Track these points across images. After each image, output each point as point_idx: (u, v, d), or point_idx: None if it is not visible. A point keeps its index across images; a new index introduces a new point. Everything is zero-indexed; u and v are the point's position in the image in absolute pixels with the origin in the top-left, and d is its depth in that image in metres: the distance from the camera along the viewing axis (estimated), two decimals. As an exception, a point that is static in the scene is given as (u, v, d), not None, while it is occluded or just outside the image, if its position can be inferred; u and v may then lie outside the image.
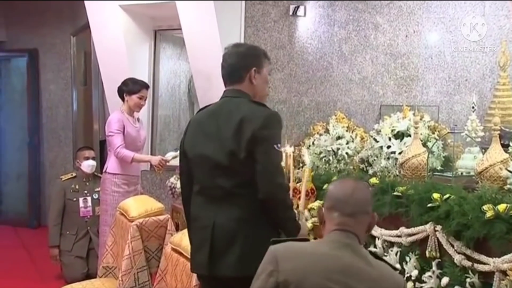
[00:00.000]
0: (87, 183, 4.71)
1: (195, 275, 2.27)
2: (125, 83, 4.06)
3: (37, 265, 5.00)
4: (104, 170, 4.02)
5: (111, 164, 3.94)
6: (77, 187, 4.67)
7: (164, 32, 5.32)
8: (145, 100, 4.10)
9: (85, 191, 4.68)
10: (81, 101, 6.30)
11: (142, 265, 3.10)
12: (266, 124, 2.02)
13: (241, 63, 2.15)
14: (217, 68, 4.30)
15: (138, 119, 4.21)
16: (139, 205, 3.29)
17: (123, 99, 4.06)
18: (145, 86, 4.10)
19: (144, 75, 5.18)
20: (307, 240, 1.81)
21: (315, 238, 2.54)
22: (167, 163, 4.04)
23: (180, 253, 2.55)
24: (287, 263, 1.54)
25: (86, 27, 5.34)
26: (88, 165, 4.65)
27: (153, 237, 3.21)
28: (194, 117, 2.27)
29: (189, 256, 2.30)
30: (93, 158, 4.75)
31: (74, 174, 4.77)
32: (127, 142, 3.95)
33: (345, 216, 1.58)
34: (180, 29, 4.58)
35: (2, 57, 7.28)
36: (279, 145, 2.07)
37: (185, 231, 2.35)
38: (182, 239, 2.54)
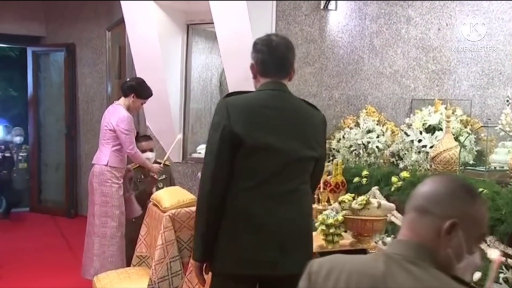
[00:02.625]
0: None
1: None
2: (140, 84, 4.06)
3: (74, 253, 5.17)
4: (104, 163, 3.94)
5: (112, 159, 3.95)
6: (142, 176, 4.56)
7: (196, 26, 5.40)
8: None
9: None
10: (115, 94, 6.44)
11: (175, 255, 3.14)
12: (325, 125, 2.12)
13: (291, 57, 2.05)
14: (248, 61, 4.38)
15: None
16: (172, 196, 3.35)
17: (126, 95, 4.02)
18: (152, 95, 4.15)
19: (176, 69, 5.30)
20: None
21: (345, 231, 2.58)
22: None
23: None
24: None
25: (121, 22, 5.47)
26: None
27: (185, 227, 3.27)
28: (237, 102, 1.97)
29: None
30: (151, 150, 4.50)
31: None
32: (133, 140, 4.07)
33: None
34: (212, 23, 4.64)
35: (41, 51, 7.52)
36: None
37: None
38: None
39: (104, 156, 3.95)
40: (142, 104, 4.11)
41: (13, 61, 10.80)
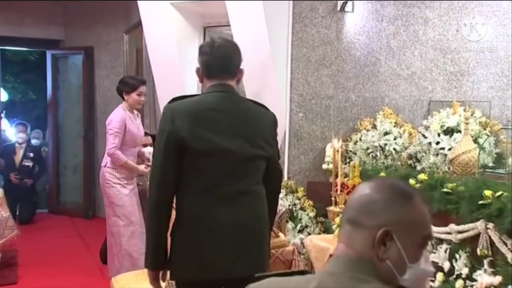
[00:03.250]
0: None
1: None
2: (123, 81, 4.11)
3: (91, 253, 5.23)
4: (104, 165, 4.04)
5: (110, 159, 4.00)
6: None
7: (213, 29, 5.42)
8: (144, 96, 4.11)
9: None
10: (133, 96, 6.51)
11: None
12: (276, 127, 2.10)
13: (236, 58, 2.04)
14: (265, 63, 4.40)
15: (138, 114, 4.26)
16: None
17: (123, 98, 4.09)
18: (142, 82, 4.12)
19: (193, 71, 5.28)
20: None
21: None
22: None
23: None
24: None
25: (138, 24, 5.52)
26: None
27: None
28: (181, 107, 1.97)
29: None
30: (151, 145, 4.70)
31: None
32: (128, 139, 4.01)
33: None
34: (229, 25, 4.66)
35: (60, 54, 7.62)
36: None
37: None
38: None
39: (105, 158, 4.04)
40: (139, 95, 4.03)
41: (32, 64, 10.99)
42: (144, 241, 3.81)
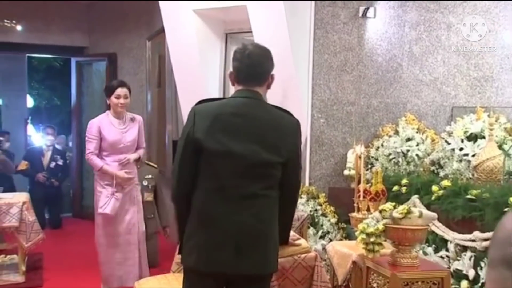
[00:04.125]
0: None
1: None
2: (105, 87, 4.07)
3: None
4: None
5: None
6: None
7: (235, 35, 5.46)
8: (124, 98, 3.92)
9: None
10: (155, 102, 6.59)
11: None
12: (299, 134, 2.11)
13: (266, 66, 2.08)
14: (286, 69, 4.41)
15: (132, 119, 4.05)
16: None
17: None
18: (120, 84, 3.96)
19: (215, 77, 5.37)
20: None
21: (385, 240, 2.56)
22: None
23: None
24: None
25: (161, 31, 5.59)
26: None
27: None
28: (203, 110, 2.06)
29: None
30: None
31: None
32: (104, 146, 3.89)
33: None
34: (251, 31, 4.69)
35: (84, 61, 7.76)
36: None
37: None
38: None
39: None
40: (117, 98, 3.87)
41: (57, 71, 11.22)
42: (122, 251, 3.89)
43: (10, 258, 4.84)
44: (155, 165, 5.40)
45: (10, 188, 6.31)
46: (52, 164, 7.05)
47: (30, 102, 10.53)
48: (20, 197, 4.79)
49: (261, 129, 2.01)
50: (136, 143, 4.05)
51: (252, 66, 2.05)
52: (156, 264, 4.77)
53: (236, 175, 1.99)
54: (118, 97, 3.88)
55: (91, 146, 3.84)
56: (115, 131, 3.90)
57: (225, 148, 1.98)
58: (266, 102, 2.11)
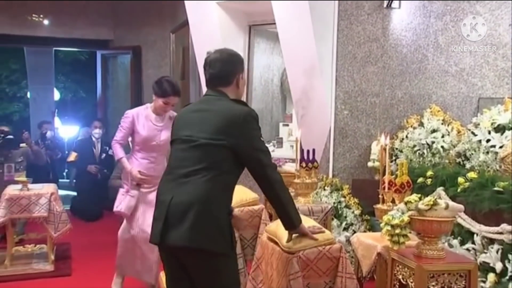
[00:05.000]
0: None
1: (291, 263, 2.37)
2: (159, 82, 3.70)
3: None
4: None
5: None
6: None
7: (258, 27, 5.48)
8: (171, 106, 3.74)
9: None
10: (179, 94, 6.64)
11: (238, 253, 3.16)
12: (246, 120, 2.23)
13: (229, 69, 2.33)
14: (310, 61, 4.40)
15: (171, 117, 3.73)
16: (234, 195, 3.37)
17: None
18: (174, 93, 3.68)
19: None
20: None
21: (410, 232, 2.55)
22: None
23: (276, 242, 2.63)
24: None
25: (185, 24, 5.63)
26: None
27: (248, 226, 3.32)
28: (180, 112, 2.47)
29: (284, 245, 2.42)
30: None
31: None
32: (137, 140, 3.73)
33: None
34: (274, 23, 4.69)
35: (110, 54, 7.87)
36: (262, 138, 2.30)
37: (279, 221, 2.43)
38: (277, 228, 2.62)
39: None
40: (165, 104, 3.65)
41: (83, 64, 11.37)
42: (141, 248, 3.78)
43: (39, 248, 4.96)
44: None
45: (46, 178, 6.47)
46: (103, 156, 7.08)
47: (56, 95, 10.71)
48: (49, 188, 4.90)
49: (209, 119, 2.24)
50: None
51: (213, 72, 2.32)
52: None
53: (179, 158, 2.28)
54: (166, 103, 3.67)
55: (118, 135, 3.75)
56: (150, 126, 3.72)
57: (176, 136, 2.34)
58: (225, 98, 2.31)
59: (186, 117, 2.35)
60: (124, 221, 3.90)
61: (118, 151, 3.74)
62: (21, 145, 5.71)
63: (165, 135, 3.69)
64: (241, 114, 2.22)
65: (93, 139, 7.15)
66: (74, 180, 7.92)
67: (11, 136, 5.66)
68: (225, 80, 2.32)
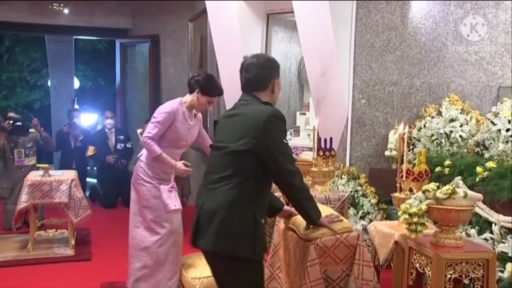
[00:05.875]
0: None
1: (309, 251, 2.41)
2: (208, 79, 3.51)
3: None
4: (138, 155, 3.61)
5: (146, 153, 3.52)
6: None
7: (276, 16, 5.47)
8: (211, 105, 3.62)
9: None
10: (197, 83, 6.67)
11: None
12: (266, 122, 2.22)
13: (263, 74, 2.36)
14: (328, 49, 4.39)
15: (195, 114, 3.61)
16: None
17: (192, 91, 3.48)
18: (221, 93, 3.59)
19: (256, 58, 5.40)
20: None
21: (427, 221, 2.55)
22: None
23: (293, 230, 2.66)
24: None
25: (203, 13, 5.64)
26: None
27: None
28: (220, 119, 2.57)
29: (302, 234, 2.45)
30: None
31: None
32: (169, 138, 3.46)
33: None
34: (292, 12, 4.68)
35: (128, 43, 7.93)
36: (285, 139, 2.29)
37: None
38: (295, 217, 2.66)
39: (143, 150, 3.57)
40: (208, 102, 3.50)
41: (102, 53, 11.48)
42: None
43: (60, 233, 5.06)
44: None
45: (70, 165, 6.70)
46: (119, 146, 7.12)
47: (76, 83, 10.83)
48: (69, 175, 5.00)
49: (238, 124, 2.28)
50: (193, 142, 3.68)
51: (250, 76, 2.34)
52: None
53: (211, 164, 2.35)
54: (210, 102, 3.52)
55: (153, 131, 3.38)
56: (184, 125, 3.49)
57: (213, 143, 2.41)
58: (256, 101, 2.33)
59: (221, 124, 2.43)
60: (137, 220, 3.60)
61: (155, 148, 3.39)
62: (30, 130, 5.79)
63: (193, 135, 3.59)
64: (264, 114, 2.23)
65: (106, 130, 7.19)
66: (95, 168, 8.02)
67: (19, 123, 5.74)
68: (260, 85, 2.35)
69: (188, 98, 3.49)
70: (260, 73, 2.34)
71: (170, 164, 3.44)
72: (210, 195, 2.27)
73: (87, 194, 6.64)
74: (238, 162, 2.22)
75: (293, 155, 4.30)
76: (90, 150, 6.97)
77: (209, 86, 3.46)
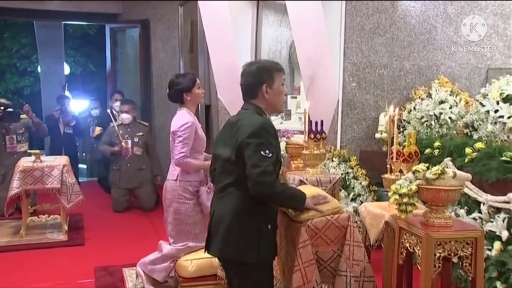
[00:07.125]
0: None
1: (300, 232, 2.44)
2: (177, 83, 3.43)
3: (151, 222, 5.48)
4: (172, 178, 3.45)
5: (182, 171, 3.42)
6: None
7: (266, 1, 5.44)
8: (202, 88, 3.59)
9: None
10: (188, 67, 6.63)
11: None
12: (253, 129, 2.24)
13: (252, 81, 2.38)
14: (318, 32, 4.39)
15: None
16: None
17: (182, 101, 3.44)
18: (195, 75, 3.56)
19: (247, 42, 5.39)
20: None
21: (417, 201, 2.59)
22: None
23: (284, 212, 2.69)
24: None
25: (193, -4, 5.60)
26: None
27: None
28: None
29: (293, 215, 2.48)
30: (127, 112, 6.06)
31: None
32: (197, 145, 3.44)
33: None
34: (282, -4, 4.68)
35: (118, 28, 7.86)
36: (266, 151, 2.22)
37: None
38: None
39: (173, 170, 3.46)
40: (199, 88, 3.47)
41: (91, 38, 11.37)
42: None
43: (53, 218, 5.08)
44: (146, 124, 6.35)
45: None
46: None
47: (66, 69, 10.74)
48: (61, 160, 5.00)
49: (232, 134, 2.32)
50: None
51: (242, 85, 2.42)
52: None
53: (218, 172, 2.41)
54: (199, 87, 3.48)
55: (185, 149, 3.33)
56: (201, 129, 3.50)
57: (213, 152, 2.47)
58: (250, 110, 2.37)
59: (219, 133, 2.49)
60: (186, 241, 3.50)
61: (191, 162, 3.37)
62: (21, 116, 5.75)
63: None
64: (249, 125, 2.26)
65: (114, 112, 7.01)
66: (84, 154, 8.00)
67: (11, 109, 5.70)
68: (252, 93, 2.38)
69: (186, 105, 3.44)
70: (250, 80, 2.38)
71: (204, 167, 3.41)
72: (219, 203, 2.37)
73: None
74: (236, 170, 2.27)
75: (284, 139, 4.35)
76: (97, 131, 6.92)
77: (185, 81, 3.42)
